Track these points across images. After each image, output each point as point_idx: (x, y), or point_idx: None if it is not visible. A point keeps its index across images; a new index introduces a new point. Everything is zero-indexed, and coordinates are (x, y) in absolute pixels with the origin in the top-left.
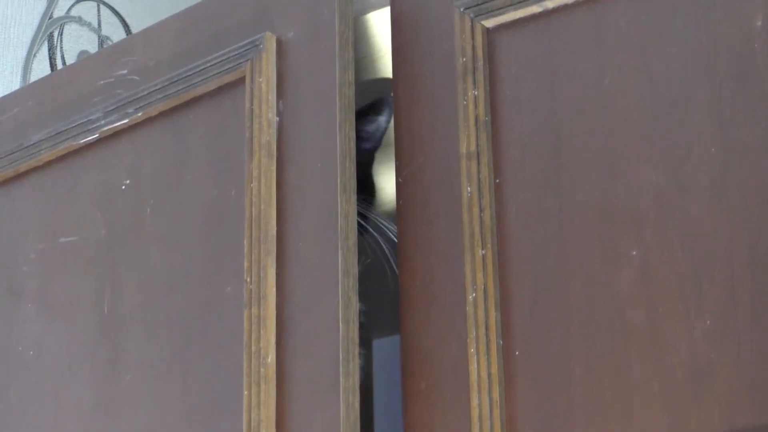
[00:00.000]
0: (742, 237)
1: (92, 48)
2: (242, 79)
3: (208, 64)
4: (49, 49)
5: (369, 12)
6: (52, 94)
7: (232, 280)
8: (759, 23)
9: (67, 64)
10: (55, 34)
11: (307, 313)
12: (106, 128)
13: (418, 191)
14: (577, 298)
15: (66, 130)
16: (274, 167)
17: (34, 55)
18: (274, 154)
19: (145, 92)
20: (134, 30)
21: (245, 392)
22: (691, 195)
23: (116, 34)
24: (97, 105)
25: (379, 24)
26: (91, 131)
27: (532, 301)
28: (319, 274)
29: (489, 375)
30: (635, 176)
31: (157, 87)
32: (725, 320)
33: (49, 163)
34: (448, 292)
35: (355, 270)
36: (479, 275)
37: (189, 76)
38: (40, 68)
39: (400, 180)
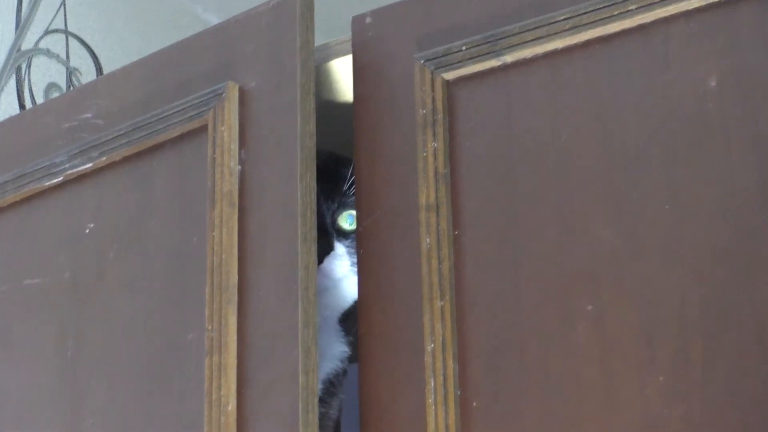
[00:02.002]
0: (695, 296)
1: (61, 80)
2: (205, 127)
3: (172, 111)
4: (17, 82)
5: (332, 59)
6: (18, 136)
7: (194, 327)
8: (713, 84)
9: (35, 96)
10: (23, 66)
11: (267, 362)
12: (70, 171)
13: (379, 242)
14: (533, 351)
15: (31, 172)
16: (235, 216)
17: (2, 88)
18: (236, 203)
19: (109, 137)
20: (103, 61)
21: None
22: (645, 253)
23: (85, 65)
24: (61, 148)
25: (342, 71)
26: (56, 174)
27: (489, 352)
28: (280, 324)
29: (446, 426)
30: (590, 233)
31: (121, 132)
32: (677, 377)
33: (13, 205)
34: (407, 343)
35: (315, 320)
36: (437, 326)
37: (152, 122)
38: (8, 101)
39: (361, 230)
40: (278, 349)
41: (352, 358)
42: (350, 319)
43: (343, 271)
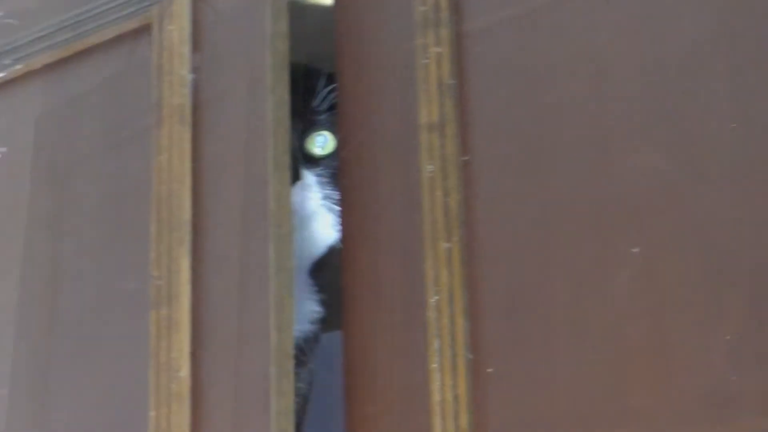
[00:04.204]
0: None
1: None
2: (148, 27)
3: (106, 7)
4: None
5: None
6: None
7: (136, 274)
8: None
9: None
10: None
11: (229, 317)
12: None
13: (367, 170)
14: (564, 304)
15: None
16: (188, 136)
17: None
18: (189, 120)
19: (26, 40)
20: None
21: (152, 413)
22: (706, 182)
23: None
24: None
25: None
26: None
27: (508, 306)
28: (245, 269)
29: (455, 396)
30: (635, 159)
31: (42, 34)
32: (750, 336)
33: None
34: (403, 296)
35: (291, 264)
36: (443, 274)
37: (81, 21)
38: None
39: (343, 155)
40: (243, 300)
41: (326, 324)
42: (323, 271)
43: (313, 206)
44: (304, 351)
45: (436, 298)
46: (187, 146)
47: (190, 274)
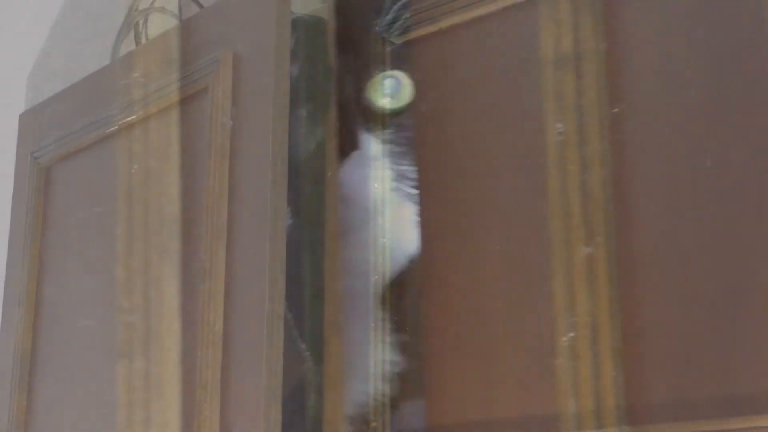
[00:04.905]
0: None
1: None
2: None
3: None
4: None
5: None
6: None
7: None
8: None
9: None
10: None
11: (247, 368)
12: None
13: (459, 133)
14: None
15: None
16: (176, 88)
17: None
18: (177, 72)
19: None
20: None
21: None
22: None
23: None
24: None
25: None
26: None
27: (685, 347)
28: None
29: None
30: None
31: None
32: None
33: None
34: (518, 333)
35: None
36: (582, 296)
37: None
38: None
39: (425, 111)
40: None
41: (410, 381)
42: (404, 297)
43: (380, 191)
44: (371, 426)
45: (571, 335)
46: (173, 110)
47: (179, 303)
